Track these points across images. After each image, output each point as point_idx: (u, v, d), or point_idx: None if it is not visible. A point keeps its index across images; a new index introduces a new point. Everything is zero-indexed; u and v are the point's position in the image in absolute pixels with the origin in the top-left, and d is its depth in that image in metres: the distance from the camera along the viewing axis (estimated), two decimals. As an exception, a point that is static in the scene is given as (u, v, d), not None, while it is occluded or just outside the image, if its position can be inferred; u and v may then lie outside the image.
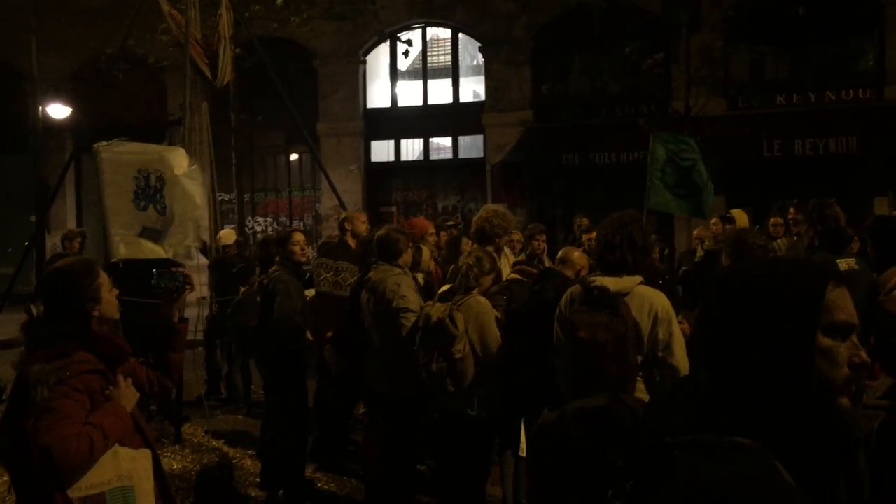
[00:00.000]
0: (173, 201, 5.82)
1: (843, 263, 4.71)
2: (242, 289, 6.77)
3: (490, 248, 5.31)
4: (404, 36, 16.89)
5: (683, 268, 8.36)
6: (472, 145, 18.35)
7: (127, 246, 5.58)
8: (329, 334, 5.88)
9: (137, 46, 12.45)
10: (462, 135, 18.41)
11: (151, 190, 5.70)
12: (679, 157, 6.92)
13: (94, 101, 17.28)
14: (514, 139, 16.79)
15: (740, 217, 8.97)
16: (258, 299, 5.86)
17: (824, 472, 1.32)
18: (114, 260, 5.47)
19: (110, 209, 5.57)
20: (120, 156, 5.70)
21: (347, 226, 6.68)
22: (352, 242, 6.63)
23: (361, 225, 6.76)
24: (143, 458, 2.91)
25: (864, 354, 1.28)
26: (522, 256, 7.16)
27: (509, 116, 17.16)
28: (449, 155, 18.83)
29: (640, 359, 3.72)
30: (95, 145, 5.75)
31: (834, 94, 15.45)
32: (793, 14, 13.35)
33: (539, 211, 16.64)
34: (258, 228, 19.33)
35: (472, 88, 18.70)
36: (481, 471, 4.86)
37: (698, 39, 13.81)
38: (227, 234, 9.21)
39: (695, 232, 9.52)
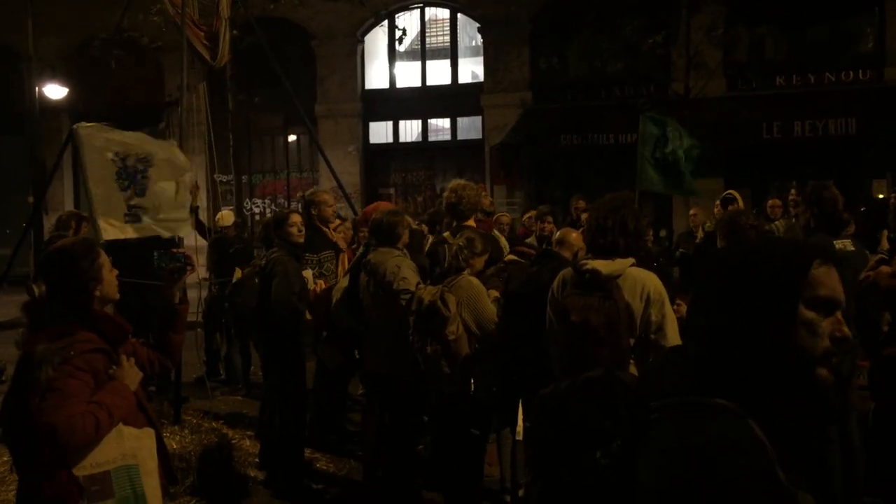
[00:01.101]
0: (159, 184, 5.83)
1: (839, 244, 4.75)
2: (239, 270, 6.78)
3: (471, 222, 5.31)
4: (403, 16, 16.85)
5: (681, 250, 8.38)
6: (470, 126, 18.33)
7: (112, 227, 5.59)
8: (324, 333, 5.88)
9: (132, 28, 12.37)
10: (460, 116, 18.39)
11: (131, 170, 5.70)
12: (675, 137, 6.95)
13: (92, 81, 17.23)
14: (512, 120, 16.79)
15: (738, 198, 8.98)
16: (256, 281, 5.88)
17: (802, 437, 1.38)
18: (101, 242, 5.48)
19: (93, 190, 5.57)
20: (98, 135, 5.69)
21: (314, 210, 6.38)
22: (322, 227, 6.38)
23: (328, 209, 6.53)
24: (147, 437, 2.95)
25: (846, 329, 1.34)
26: (532, 239, 7.17)
27: (508, 97, 17.14)
28: (447, 136, 18.82)
29: (632, 341, 3.74)
30: (75, 126, 5.74)
31: (833, 75, 15.44)
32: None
33: (538, 192, 16.65)
34: (256, 210, 19.35)
35: (471, 69, 18.65)
36: (478, 451, 4.90)
37: (698, 20, 13.78)
38: (226, 216, 9.23)
39: (691, 212, 9.52)
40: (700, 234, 8.95)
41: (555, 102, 16.63)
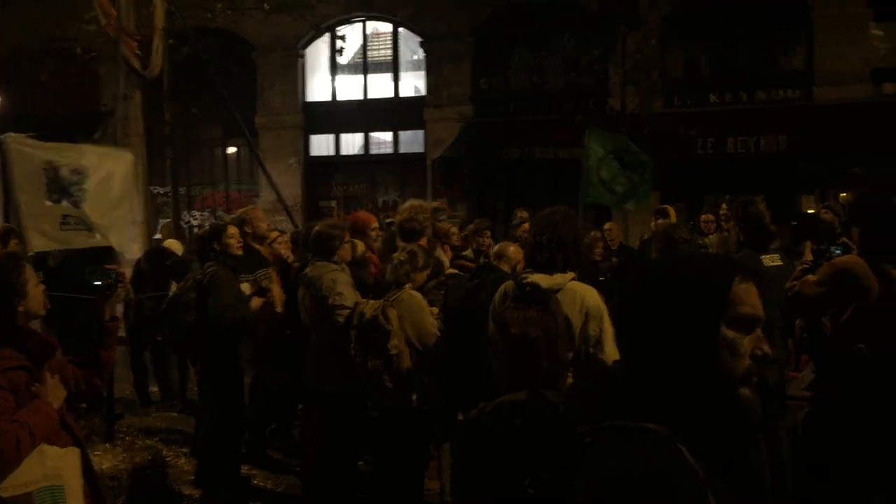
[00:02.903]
0: (97, 194, 5.72)
1: (768, 259, 4.88)
2: (175, 284, 6.64)
3: (423, 242, 5.32)
4: (343, 29, 16.79)
5: (614, 259, 8.46)
6: (412, 140, 18.35)
7: (41, 238, 5.45)
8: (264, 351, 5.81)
9: (67, 35, 12.09)
10: (402, 129, 18.40)
11: (64, 182, 5.58)
12: (621, 153, 7.07)
13: (23, 91, 16.75)
14: (454, 134, 16.86)
15: (672, 212, 9.16)
16: (193, 295, 5.76)
17: (727, 456, 1.38)
18: (30, 254, 5.33)
19: (23, 201, 5.44)
20: (28, 148, 5.56)
21: (247, 228, 6.12)
22: (257, 245, 6.23)
23: (261, 224, 6.35)
24: (72, 456, 2.86)
25: (766, 347, 1.35)
26: (469, 252, 7.19)
27: (450, 111, 17.22)
28: (389, 150, 18.81)
29: (571, 355, 3.78)
30: (2, 137, 5.59)
31: (765, 93, 15.91)
32: (726, 15, 13.70)
33: (480, 206, 16.73)
34: (195, 222, 19.01)
35: (413, 83, 18.69)
36: (419, 465, 4.89)
37: (635, 38, 14.06)
38: (173, 245, 9.11)
39: (606, 226, 9.18)
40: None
41: (496, 116, 16.77)
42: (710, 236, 8.90)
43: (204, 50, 9.26)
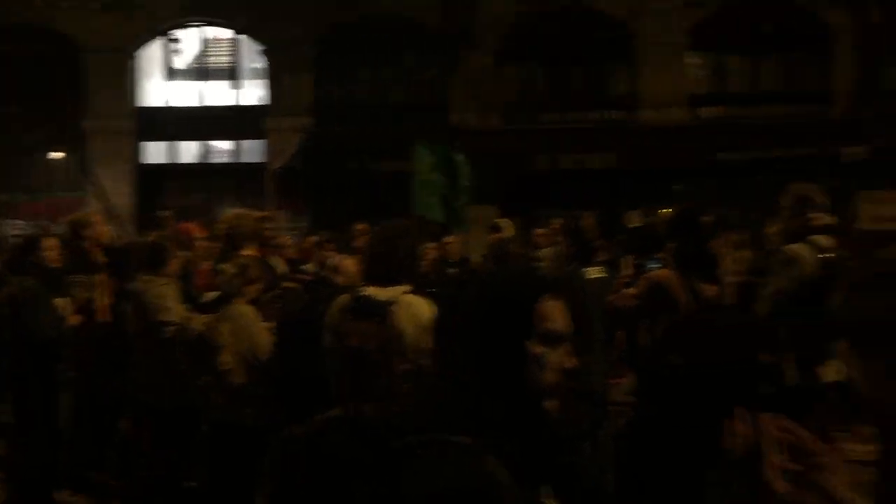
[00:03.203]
0: None
1: (593, 272, 5.15)
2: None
3: (251, 251, 5.23)
4: (179, 34, 16.19)
5: (451, 271, 8.59)
6: (253, 150, 17.93)
7: None
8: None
9: None
10: (243, 138, 17.96)
11: None
12: (445, 167, 7.19)
13: None
14: (296, 144, 16.64)
15: (507, 226, 9.43)
16: (6, 311, 5.37)
17: (538, 467, 1.44)
18: None
19: None
20: None
21: (86, 232, 5.76)
22: (92, 250, 5.83)
23: (101, 228, 6.04)
24: None
25: (573, 360, 1.42)
26: (311, 265, 7.09)
27: (292, 121, 16.98)
28: (229, 159, 18.29)
29: (408, 367, 3.82)
30: None
31: (595, 114, 16.82)
32: (558, 39, 14.37)
33: (321, 217, 16.58)
34: (14, 233, 17.66)
35: (254, 91, 18.28)
36: (252, 481, 4.77)
37: (474, 57, 14.48)
38: None
39: (446, 240, 9.29)
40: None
41: (339, 128, 16.70)
42: (545, 250, 9.23)
43: (21, 50, 8.67)
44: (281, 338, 4.63)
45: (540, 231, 9.95)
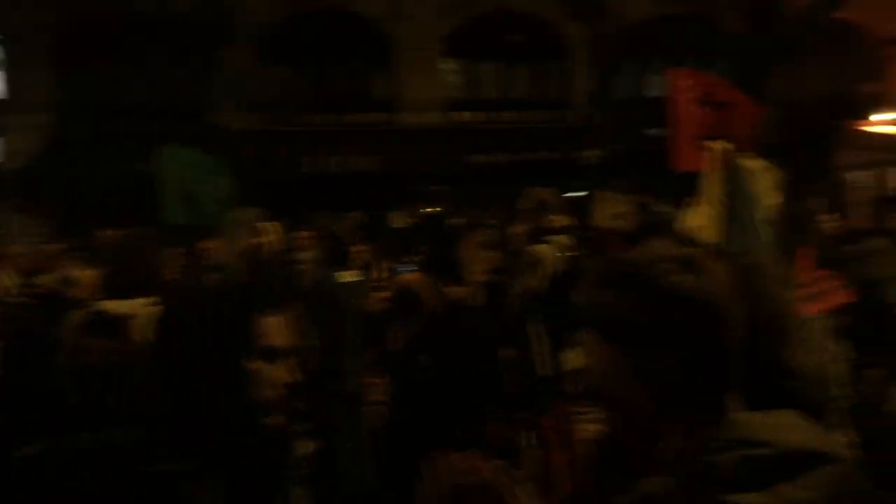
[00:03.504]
0: None
1: (347, 276, 5.21)
2: None
3: None
4: None
5: (211, 276, 8.32)
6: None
7: None
8: None
9: None
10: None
11: None
12: (198, 170, 6.90)
13: None
14: (36, 144, 15.26)
15: (273, 230, 9.24)
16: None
17: (266, 485, 1.44)
18: None
19: None
20: None
21: None
22: None
23: None
24: None
25: (295, 375, 1.43)
26: (48, 277, 6.52)
27: (31, 119, 15.53)
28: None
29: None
30: None
31: (358, 116, 16.99)
32: (318, 40, 14.35)
33: (64, 222, 15.31)
34: None
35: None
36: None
37: (231, 57, 14.08)
38: None
39: (206, 245, 8.99)
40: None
41: (82, 128, 15.49)
42: (305, 253, 9.17)
43: None
44: (6, 357, 4.24)
45: (303, 234, 9.89)
